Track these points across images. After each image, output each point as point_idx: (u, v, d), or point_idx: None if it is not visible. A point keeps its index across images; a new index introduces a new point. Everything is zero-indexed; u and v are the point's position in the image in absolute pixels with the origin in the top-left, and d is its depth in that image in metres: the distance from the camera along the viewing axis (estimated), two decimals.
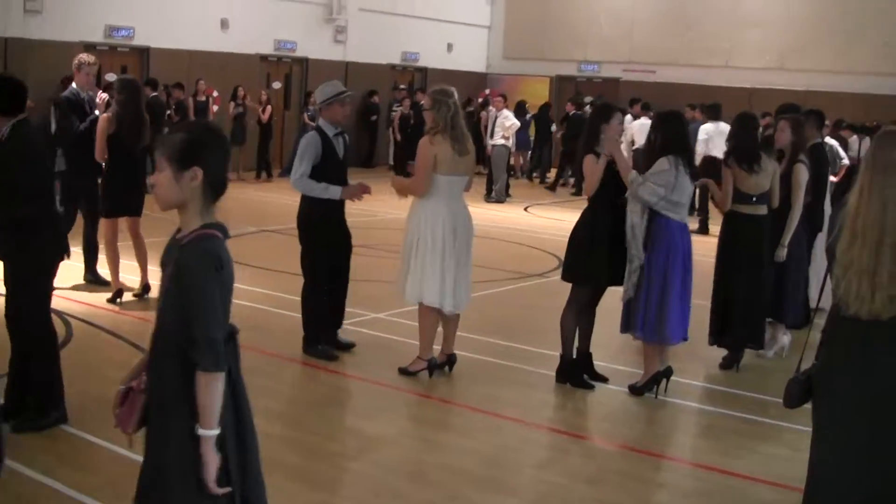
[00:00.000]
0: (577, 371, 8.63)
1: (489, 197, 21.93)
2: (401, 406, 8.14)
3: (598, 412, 8.29)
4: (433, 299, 8.41)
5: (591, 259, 8.35)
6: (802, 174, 9.38)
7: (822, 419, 4.58)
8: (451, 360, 8.75)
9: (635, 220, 8.10)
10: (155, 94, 19.70)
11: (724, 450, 7.39)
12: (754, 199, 9.16)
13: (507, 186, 22.54)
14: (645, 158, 8.29)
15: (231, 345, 3.85)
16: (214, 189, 3.82)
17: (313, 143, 8.76)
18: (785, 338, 9.77)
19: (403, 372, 8.63)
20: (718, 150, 15.57)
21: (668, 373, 8.43)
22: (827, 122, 15.40)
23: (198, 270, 3.71)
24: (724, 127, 16.07)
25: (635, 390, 8.43)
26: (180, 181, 3.76)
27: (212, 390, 3.70)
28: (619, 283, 8.37)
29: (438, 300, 8.42)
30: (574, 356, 8.65)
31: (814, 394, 4.62)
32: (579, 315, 8.59)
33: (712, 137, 17.82)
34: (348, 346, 9.25)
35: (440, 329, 8.73)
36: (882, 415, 4.35)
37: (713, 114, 18.86)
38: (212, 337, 3.69)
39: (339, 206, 8.94)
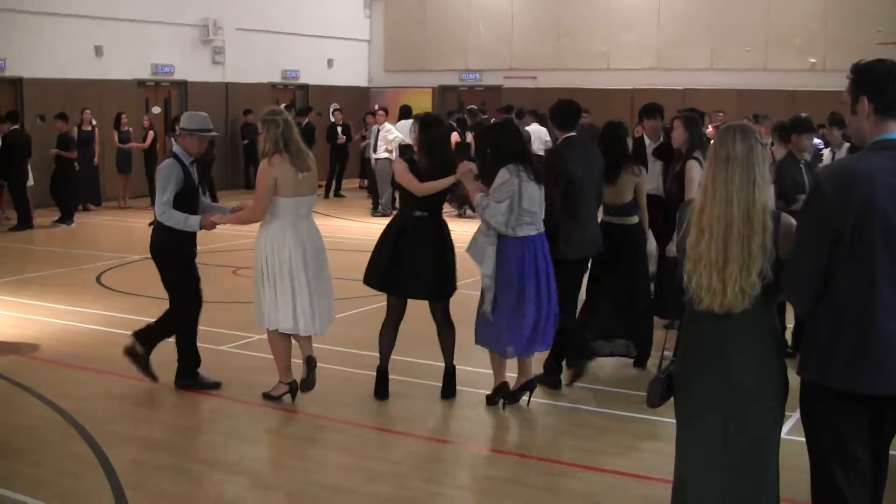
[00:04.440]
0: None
1: (375, 211, 21.78)
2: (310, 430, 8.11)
3: (472, 419, 8.24)
4: (287, 325, 8.29)
5: (377, 262, 8.45)
6: (695, 170, 9.23)
7: (682, 413, 4.69)
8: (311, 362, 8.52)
9: (479, 237, 8.05)
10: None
11: (604, 448, 7.52)
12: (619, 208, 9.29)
13: (393, 199, 22.45)
14: (482, 174, 8.15)
15: None
16: None
17: (175, 173, 8.49)
18: None
19: (267, 397, 8.55)
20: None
21: (530, 385, 8.31)
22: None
23: None
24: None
25: (490, 399, 8.37)
26: None
27: None
28: (424, 295, 8.47)
29: (292, 325, 8.29)
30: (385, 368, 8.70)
31: (675, 390, 4.71)
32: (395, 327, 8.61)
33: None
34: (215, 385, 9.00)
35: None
36: (734, 406, 4.45)
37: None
38: None
39: (192, 236, 8.73)
